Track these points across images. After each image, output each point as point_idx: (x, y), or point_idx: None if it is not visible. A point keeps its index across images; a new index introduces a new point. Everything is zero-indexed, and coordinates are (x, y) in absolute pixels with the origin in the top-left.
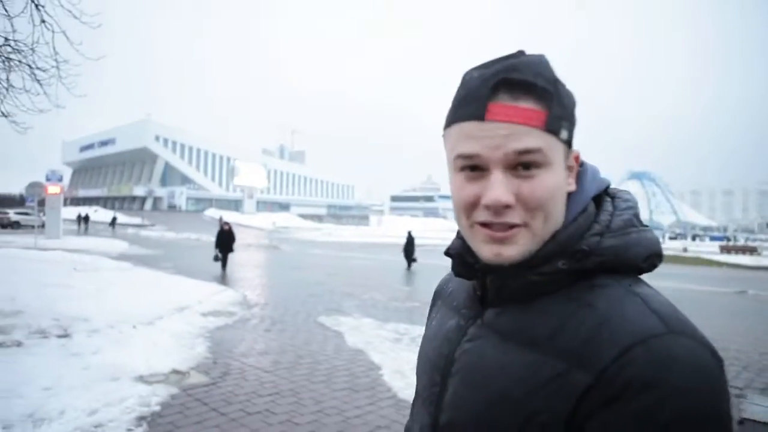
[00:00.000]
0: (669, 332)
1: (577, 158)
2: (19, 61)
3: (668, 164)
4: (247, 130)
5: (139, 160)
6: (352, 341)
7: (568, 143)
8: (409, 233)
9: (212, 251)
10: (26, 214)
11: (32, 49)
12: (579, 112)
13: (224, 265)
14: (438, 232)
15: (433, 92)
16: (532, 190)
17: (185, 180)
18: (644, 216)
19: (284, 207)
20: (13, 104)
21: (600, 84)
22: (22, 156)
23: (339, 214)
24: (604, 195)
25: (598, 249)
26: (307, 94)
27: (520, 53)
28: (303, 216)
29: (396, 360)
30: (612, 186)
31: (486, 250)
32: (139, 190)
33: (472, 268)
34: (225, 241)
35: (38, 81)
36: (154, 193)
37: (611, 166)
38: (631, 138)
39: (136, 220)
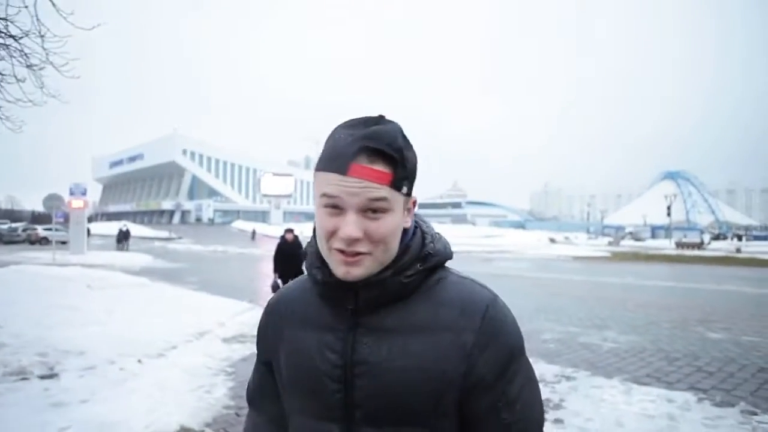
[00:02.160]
0: (494, 296)
1: (414, 203)
2: (7, 45)
3: (701, 164)
4: (272, 142)
5: (167, 175)
6: None
7: (408, 194)
8: None
9: (252, 271)
10: (55, 229)
11: (25, 33)
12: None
13: None
14: (468, 238)
15: (458, 98)
16: (377, 228)
17: (212, 193)
18: (681, 216)
19: (311, 217)
20: (2, 97)
21: (630, 82)
22: (53, 175)
23: None
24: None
25: (435, 251)
26: (332, 104)
27: (380, 119)
28: None
29: None
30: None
31: (339, 270)
32: (167, 204)
33: (344, 289)
34: (289, 258)
35: (29, 66)
36: (181, 207)
37: (639, 166)
38: (660, 138)
39: (164, 234)
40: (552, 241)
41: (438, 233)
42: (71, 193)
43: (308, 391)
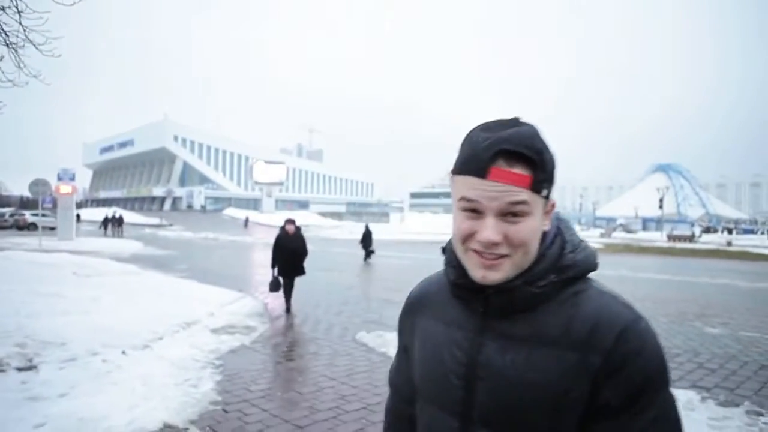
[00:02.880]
0: (637, 317)
1: (553, 205)
2: None
3: (693, 157)
4: (265, 129)
5: (158, 161)
6: None
7: (547, 197)
8: (366, 227)
9: (249, 264)
10: (43, 215)
11: (1, 8)
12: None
13: (288, 296)
14: None
15: (450, 87)
16: (517, 232)
17: (204, 180)
18: (672, 209)
19: (303, 205)
20: None
21: (622, 76)
22: (44, 160)
23: (359, 211)
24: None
25: (574, 262)
26: (324, 93)
27: (516, 121)
28: (322, 214)
29: None
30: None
31: (477, 273)
32: (158, 191)
33: (474, 291)
34: (290, 252)
35: (8, 45)
36: (173, 194)
37: (631, 159)
38: (652, 131)
39: (155, 220)
40: None
41: (583, 242)
42: (59, 179)
43: (435, 381)
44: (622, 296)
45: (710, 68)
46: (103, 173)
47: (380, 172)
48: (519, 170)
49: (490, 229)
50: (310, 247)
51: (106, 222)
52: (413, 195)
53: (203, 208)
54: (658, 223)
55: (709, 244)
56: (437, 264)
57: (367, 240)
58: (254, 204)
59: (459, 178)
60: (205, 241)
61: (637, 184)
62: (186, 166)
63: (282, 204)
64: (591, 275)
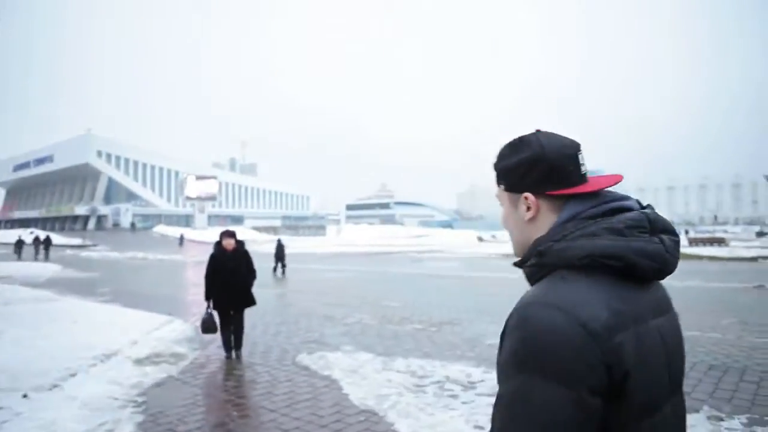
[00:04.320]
0: (529, 303)
1: (527, 198)
2: None
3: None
4: (196, 144)
5: (81, 178)
6: (354, 395)
7: (509, 190)
8: (279, 241)
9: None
10: None
11: None
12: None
13: (236, 337)
14: (398, 239)
15: (387, 101)
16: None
17: (132, 196)
18: None
19: (237, 220)
20: None
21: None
22: None
23: (295, 225)
24: (606, 215)
25: (549, 251)
26: (258, 106)
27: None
28: (257, 228)
29: (435, 427)
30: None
31: None
32: (81, 209)
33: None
34: (231, 275)
35: None
36: (97, 212)
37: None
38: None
39: (76, 241)
40: (480, 239)
41: (584, 235)
42: None
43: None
44: (565, 289)
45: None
46: (17, 192)
47: (316, 185)
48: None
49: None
50: None
51: (20, 244)
52: (349, 207)
53: (132, 226)
54: None
55: None
56: (379, 276)
57: (280, 253)
58: (186, 220)
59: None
60: (133, 261)
61: None
62: (111, 183)
63: (215, 219)
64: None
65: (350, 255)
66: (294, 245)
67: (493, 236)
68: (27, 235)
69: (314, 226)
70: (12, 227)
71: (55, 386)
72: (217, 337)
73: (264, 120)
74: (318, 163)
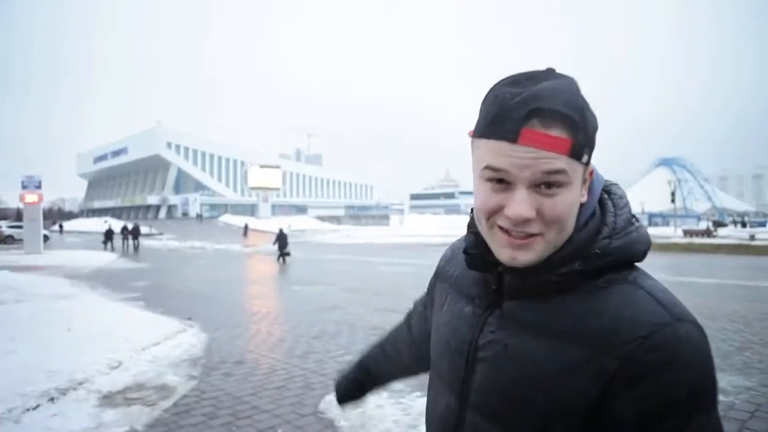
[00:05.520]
0: (674, 320)
1: (591, 173)
2: None
3: (694, 151)
4: (263, 135)
5: (152, 169)
6: None
7: (587, 164)
8: (281, 230)
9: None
10: (20, 227)
11: None
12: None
13: None
14: (463, 229)
15: (450, 89)
16: (553, 206)
17: (199, 186)
18: (677, 203)
19: (301, 210)
20: None
21: (621, 70)
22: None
23: (358, 214)
24: (603, 193)
25: (608, 250)
26: (324, 97)
27: (551, 73)
28: (320, 218)
29: None
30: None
31: (504, 254)
32: (152, 199)
33: (490, 265)
34: None
35: None
36: (167, 201)
37: (631, 154)
38: (652, 126)
39: (145, 230)
40: None
41: (631, 223)
42: (24, 186)
43: (443, 355)
44: (671, 294)
45: (712, 61)
46: (97, 183)
47: (380, 175)
48: (557, 132)
49: (521, 204)
50: (299, 254)
51: (109, 234)
52: (413, 197)
53: (199, 215)
54: (664, 218)
55: (727, 238)
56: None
57: (282, 241)
58: (251, 210)
59: (482, 142)
60: (190, 251)
61: (639, 179)
62: (180, 173)
63: (279, 209)
64: (639, 265)
65: (412, 246)
66: (356, 235)
67: None
68: (102, 224)
69: (377, 215)
70: (93, 216)
71: None
72: (226, 357)
73: (330, 111)
74: (382, 152)
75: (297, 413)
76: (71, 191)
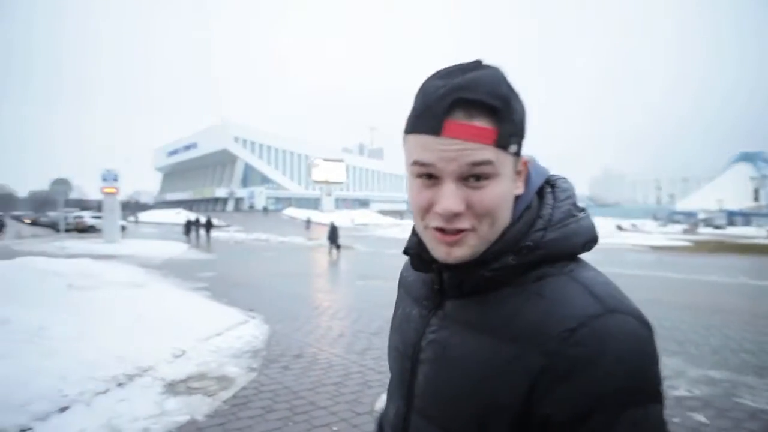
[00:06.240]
0: (605, 312)
1: (525, 164)
2: None
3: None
4: (327, 130)
5: (220, 163)
6: None
7: (518, 154)
8: (332, 223)
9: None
10: (100, 218)
11: None
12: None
13: None
14: None
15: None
16: (481, 199)
17: (265, 180)
18: (762, 201)
19: (364, 204)
20: None
21: (692, 65)
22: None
23: None
24: (545, 185)
25: (541, 243)
26: (385, 89)
27: (477, 65)
28: (383, 212)
29: None
30: (552, 174)
31: (438, 251)
32: (221, 192)
33: (429, 264)
34: None
35: None
36: (235, 194)
37: (706, 148)
38: (729, 119)
39: (214, 221)
40: (620, 228)
41: (571, 216)
42: (103, 179)
43: (395, 359)
44: (612, 286)
45: None
46: (171, 176)
47: None
48: (481, 123)
49: (449, 198)
50: (361, 247)
51: (189, 225)
52: None
53: (265, 208)
54: (746, 217)
55: None
56: None
57: (333, 234)
58: (315, 203)
59: (411, 138)
60: (255, 243)
61: (716, 175)
62: (247, 167)
63: (342, 203)
64: (586, 257)
65: None
66: None
67: (633, 225)
68: (174, 215)
69: None
70: (166, 208)
71: (25, 430)
72: (287, 349)
73: (392, 104)
74: None
75: (353, 411)
76: (148, 184)
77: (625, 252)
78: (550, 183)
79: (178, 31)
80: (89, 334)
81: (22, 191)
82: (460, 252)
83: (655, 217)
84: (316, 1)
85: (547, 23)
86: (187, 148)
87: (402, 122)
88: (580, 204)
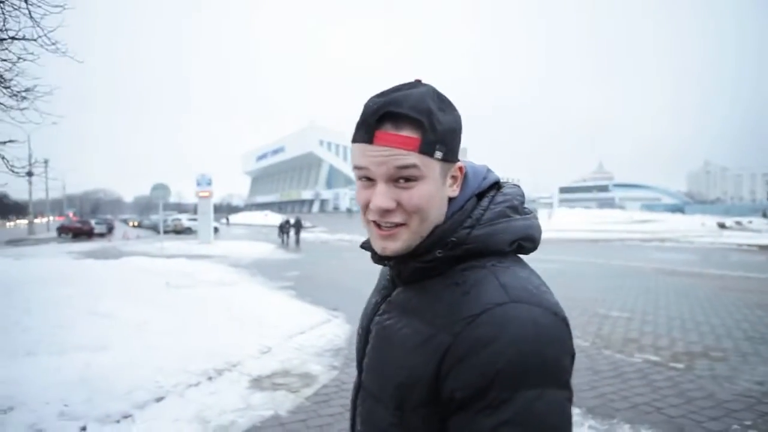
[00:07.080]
0: (509, 301)
1: (460, 169)
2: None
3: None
4: None
5: (306, 165)
6: None
7: (447, 160)
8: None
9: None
10: (196, 220)
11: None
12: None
13: None
14: (616, 224)
15: (592, 76)
16: (410, 197)
17: (349, 182)
18: None
19: None
20: None
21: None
22: (210, 170)
23: None
24: (489, 191)
25: (466, 239)
26: (469, 89)
27: (414, 84)
28: None
29: None
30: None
31: (377, 244)
32: (307, 194)
33: (380, 258)
34: None
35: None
36: (320, 196)
37: None
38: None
39: (306, 224)
40: (722, 226)
41: (505, 215)
42: (198, 184)
43: (357, 339)
44: (527, 281)
45: None
46: (259, 179)
47: (526, 167)
48: (407, 132)
49: (380, 196)
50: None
51: (282, 228)
52: (563, 190)
53: (349, 210)
54: None
55: None
56: (595, 270)
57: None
58: None
59: (353, 146)
60: (338, 243)
61: None
62: (332, 169)
63: None
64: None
65: (561, 241)
66: None
67: (738, 223)
68: (263, 217)
69: None
70: (255, 210)
71: (126, 417)
72: None
73: (473, 100)
74: (529, 145)
75: None
76: (238, 187)
77: (728, 252)
78: (499, 187)
79: (274, 34)
80: (183, 329)
81: (128, 196)
82: (395, 246)
83: (765, 215)
84: (404, 2)
85: (660, 22)
86: (275, 152)
87: (484, 122)
88: (529, 207)
